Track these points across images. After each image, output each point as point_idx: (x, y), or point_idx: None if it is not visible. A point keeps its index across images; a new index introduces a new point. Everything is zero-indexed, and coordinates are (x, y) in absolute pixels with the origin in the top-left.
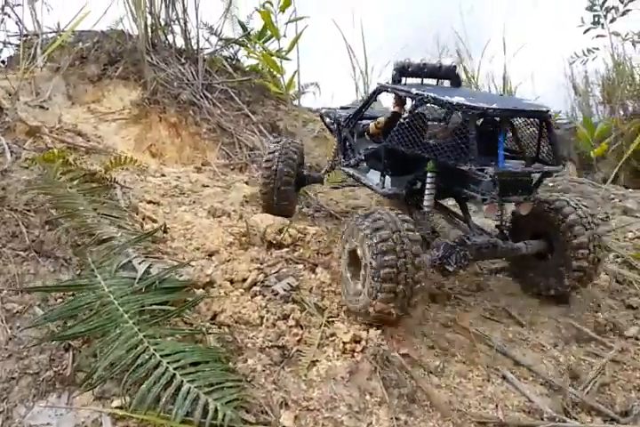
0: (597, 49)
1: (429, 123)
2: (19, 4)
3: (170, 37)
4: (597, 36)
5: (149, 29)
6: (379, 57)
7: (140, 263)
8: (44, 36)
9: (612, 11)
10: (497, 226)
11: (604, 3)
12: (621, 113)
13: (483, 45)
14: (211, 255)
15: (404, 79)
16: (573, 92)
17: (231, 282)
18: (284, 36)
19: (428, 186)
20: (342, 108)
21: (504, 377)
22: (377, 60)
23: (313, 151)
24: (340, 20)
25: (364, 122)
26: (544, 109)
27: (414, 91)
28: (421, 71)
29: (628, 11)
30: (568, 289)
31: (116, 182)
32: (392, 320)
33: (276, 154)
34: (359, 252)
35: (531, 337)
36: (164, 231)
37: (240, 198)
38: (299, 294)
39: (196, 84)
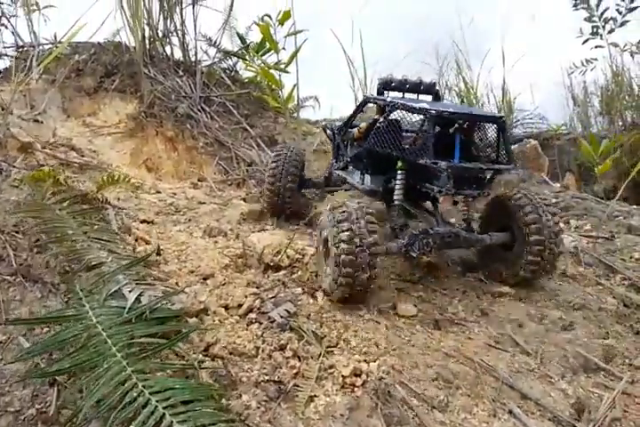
0: (596, 60)
1: (405, 134)
2: (15, 15)
3: (168, 49)
4: (596, 47)
5: (147, 41)
6: (378, 69)
7: (130, 291)
8: (41, 47)
9: (611, 22)
10: (464, 219)
11: (602, 14)
12: (620, 124)
13: (482, 56)
14: (205, 279)
15: (386, 93)
16: (572, 103)
17: (226, 308)
18: (284, 48)
19: (397, 182)
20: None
21: (510, 412)
22: (377, 72)
23: (312, 165)
24: (339, 32)
25: (354, 130)
26: (498, 116)
27: (388, 99)
28: (403, 86)
29: (627, 22)
30: (522, 279)
31: (109, 203)
32: (352, 300)
33: (282, 156)
34: (329, 240)
35: (538, 367)
36: (158, 254)
37: (237, 216)
38: (296, 322)
39: (194, 97)
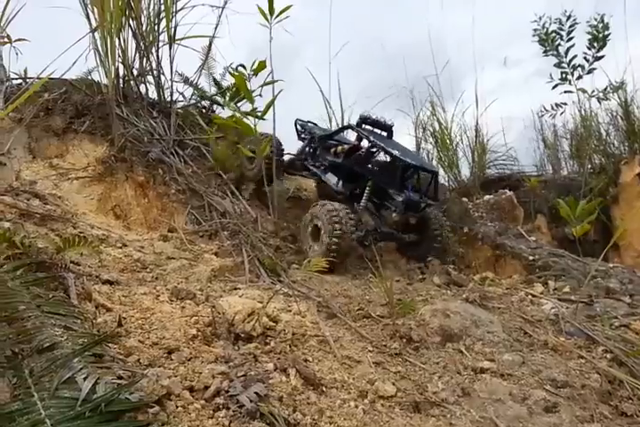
0: (565, 104)
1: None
2: None
3: (142, 89)
4: (565, 92)
5: (121, 80)
6: (355, 110)
7: (85, 378)
8: (9, 83)
9: (579, 68)
10: (396, 225)
11: (570, 60)
12: (589, 167)
13: (457, 95)
14: (170, 353)
15: (363, 125)
16: (543, 145)
17: (191, 390)
18: (260, 95)
19: (365, 194)
20: (313, 124)
21: None
22: (353, 114)
23: (285, 215)
24: (317, 74)
25: (330, 142)
26: (436, 170)
27: (371, 138)
28: (374, 123)
29: (594, 69)
30: (429, 260)
31: (68, 268)
32: (335, 263)
33: None
34: (320, 225)
35: None
36: (120, 324)
37: (208, 273)
38: (267, 406)
39: (168, 140)
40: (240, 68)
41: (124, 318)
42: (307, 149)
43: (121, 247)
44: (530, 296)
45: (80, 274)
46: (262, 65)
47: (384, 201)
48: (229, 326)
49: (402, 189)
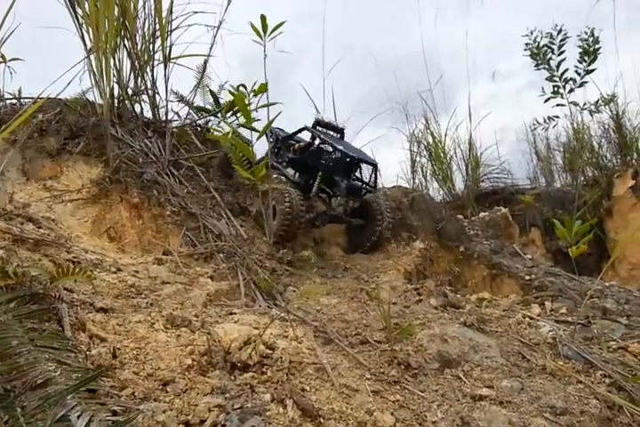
0: (557, 117)
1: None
2: None
3: (137, 108)
4: (557, 105)
5: (116, 100)
6: (350, 125)
7: (79, 416)
8: (3, 103)
9: (570, 82)
10: (344, 210)
11: (562, 74)
12: (582, 179)
13: (449, 108)
14: (166, 384)
15: (318, 127)
16: (536, 158)
17: (187, 425)
18: (256, 110)
19: (316, 183)
20: (279, 129)
21: None
22: (347, 128)
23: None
24: (312, 86)
25: (291, 141)
26: (376, 162)
27: (322, 136)
28: (327, 126)
29: (585, 83)
30: (371, 243)
31: (61, 299)
32: (287, 239)
33: None
34: (276, 207)
35: None
36: (114, 356)
37: (203, 298)
38: None
39: (163, 161)
40: (241, 88)
41: (119, 349)
42: (273, 149)
43: (115, 272)
44: (527, 318)
45: (74, 302)
46: (263, 87)
47: (332, 188)
48: (225, 354)
49: (346, 178)
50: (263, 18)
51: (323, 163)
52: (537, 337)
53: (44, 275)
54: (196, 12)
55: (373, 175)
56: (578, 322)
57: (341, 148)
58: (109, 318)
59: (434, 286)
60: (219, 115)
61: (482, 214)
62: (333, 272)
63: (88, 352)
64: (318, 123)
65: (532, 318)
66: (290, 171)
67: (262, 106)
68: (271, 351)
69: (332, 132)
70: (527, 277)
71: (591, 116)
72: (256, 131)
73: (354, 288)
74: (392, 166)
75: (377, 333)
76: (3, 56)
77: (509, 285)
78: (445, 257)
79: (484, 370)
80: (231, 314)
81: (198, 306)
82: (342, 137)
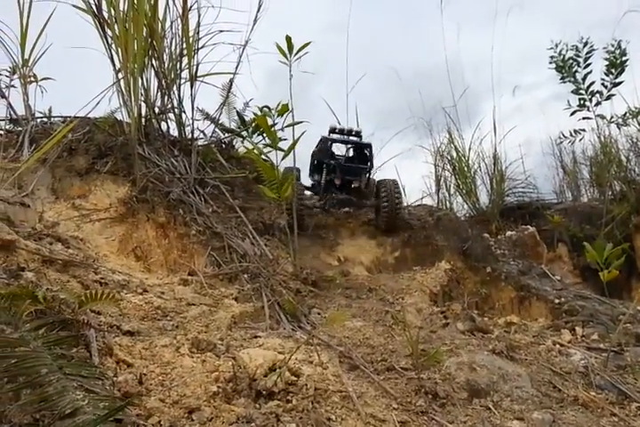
0: (584, 130)
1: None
2: (11, 86)
3: (163, 126)
4: (584, 119)
5: (143, 119)
6: (374, 140)
7: None
8: (33, 122)
9: (597, 95)
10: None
11: (588, 87)
12: (610, 194)
13: (473, 120)
14: (191, 412)
15: (332, 134)
16: (562, 172)
17: None
18: (282, 130)
19: (323, 173)
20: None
21: None
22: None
23: (305, 254)
24: (334, 98)
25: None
26: (369, 142)
27: (325, 137)
28: (343, 130)
29: (612, 95)
30: (385, 223)
31: (90, 325)
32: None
33: None
34: None
35: None
36: (140, 382)
37: (228, 320)
38: None
39: (189, 179)
40: (265, 109)
41: (145, 375)
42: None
43: (141, 293)
44: (558, 345)
45: (101, 325)
46: (285, 108)
47: (334, 174)
48: (251, 381)
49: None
50: (288, 39)
51: (323, 155)
52: (568, 366)
53: (73, 299)
54: (221, 31)
55: (368, 155)
56: (610, 349)
57: (335, 137)
58: (136, 341)
59: (461, 310)
60: (244, 134)
61: (509, 233)
62: (358, 293)
63: (115, 378)
64: (333, 130)
65: (562, 345)
66: (312, 177)
67: (288, 125)
68: (296, 378)
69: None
70: (557, 301)
71: (619, 129)
72: (282, 150)
73: (379, 310)
74: (416, 181)
75: (403, 359)
76: (35, 76)
77: (538, 307)
78: (472, 278)
79: (513, 401)
80: (256, 337)
81: (223, 329)
82: (360, 138)
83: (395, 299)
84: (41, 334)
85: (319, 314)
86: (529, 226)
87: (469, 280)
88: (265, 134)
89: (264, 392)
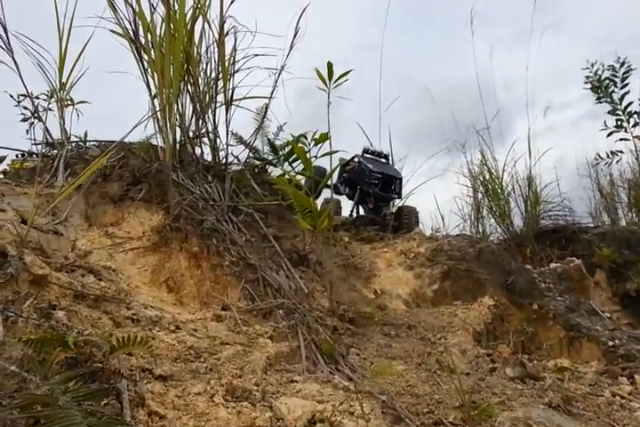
0: (621, 152)
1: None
2: (49, 109)
3: (197, 151)
4: (621, 140)
5: (177, 144)
6: (406, 163)
7: None
8: (69, 146)
9: (635, 115)
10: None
11: (626, 108)
12: None
13: (506, 139)
14: None
15: (365, 154)
16: (599, 195)
17: None
18: (316, 157)
19: (356, 195)
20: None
21: None
22: (404, 166)
23: (340, 286)
24: (364, 115)
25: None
26: (400, 176)
27: (360, 159)
28: (373, 153)
29: None
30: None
31: (121, 374)
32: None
33: None
34: None
35: None
36: None
37: (263, 362)
38: None
39: (222, 206)
40: (301, 139)
41: None
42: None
43: (174, 331)
44: (618, 397)
45: (132, 370)
46: (324, 137)
47: (368, 197)
48: None
49: (374, 189)
50: (330, 65)
51: (363, 180)
52: (632, 422)
53: (104, 344)
54: (256, 55)
55: (398, 186)
56: None
57: (371, 166)
58: (168, 387)
59: (509, 353)
60: (276, 162)
61: (553, 265)
62: (397, 331)
63: None
64: (366, 151)
65: (623, 398)
66: (342, 188)
67: (324, 154)
68: None
69: (378, 158)
70: (610, 343)
71: None
72: (317, 180)
73: (421, 352)
74: (445, 201)
75: (451, 411)
76: (71, 99)
77: (589, 349)
78: (517, 315)
79: None
80: (292, 382)
81: (258, 372)
82: (388, 161)
83: (436, 338)
84: (70, 388)
85: (358, 355)
86: (574, 258)
87: (514, 317)
88: (298, 162)
89: None
